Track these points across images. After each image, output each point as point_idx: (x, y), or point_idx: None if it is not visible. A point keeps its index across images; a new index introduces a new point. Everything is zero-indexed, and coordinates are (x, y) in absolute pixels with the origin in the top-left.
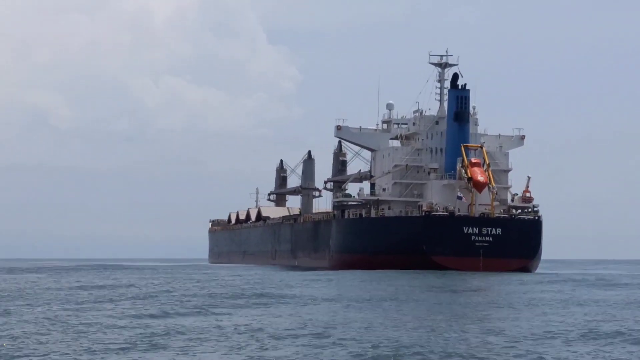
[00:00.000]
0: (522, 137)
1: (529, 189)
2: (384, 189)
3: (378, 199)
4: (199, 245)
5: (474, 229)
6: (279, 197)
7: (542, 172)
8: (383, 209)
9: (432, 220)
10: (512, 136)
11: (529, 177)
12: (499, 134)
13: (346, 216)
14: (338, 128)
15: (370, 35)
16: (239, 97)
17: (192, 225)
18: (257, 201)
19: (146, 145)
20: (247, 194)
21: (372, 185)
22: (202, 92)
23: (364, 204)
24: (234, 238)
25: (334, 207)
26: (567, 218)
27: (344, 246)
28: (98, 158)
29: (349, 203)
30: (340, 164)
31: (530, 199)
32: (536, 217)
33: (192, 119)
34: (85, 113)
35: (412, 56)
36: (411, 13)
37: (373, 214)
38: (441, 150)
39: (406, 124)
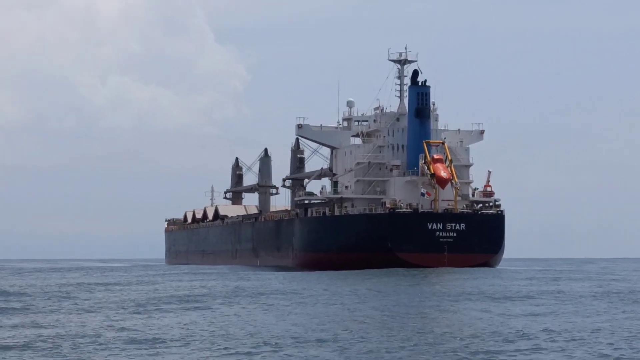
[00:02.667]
0: (482, 132)
1: (490, 183)
2: (346, 187)
3: (341, 196)
4: (154, 245)
5: (438, 224)
6: (236, 195)
7: (501, 166)
8: (346, 207)
9: (396, 217)
10: (472, 131)
11: (489, 172)
12: (459, 129)
13: (309, 214)
14: (299, 126)
15: (325, 32)
16: (187, 96)
17: (146, 224)
18: (212, 199)
19: (94, 143)
20: (202, 192)
21: (335, 183)
22: (150, 90)
23: (327, 202)
24: (192, 237)
25: (297, 205)
26: (527, 213)
27: (308, 244)
28: (45, 155)
29: (312, 201)
30: (298, 162)
31: (491, 194)
32: (499, 212)
33: (140, 117)
34: (31, 110)
35: (371, 52)
36: (365, 8)
37: (336, 211)
38: (403, 146)
39: (367, 121)
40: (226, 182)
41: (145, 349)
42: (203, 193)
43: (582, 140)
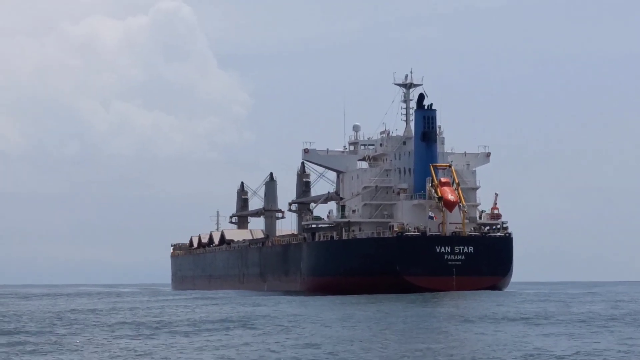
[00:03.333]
0: (488, 155)
1: (497, 205)
2: (353, 211)
3: (349, 220)
4: (160, 270)
5: (446, 247)
6: (241, 220)
7: (507, 189)
8: (354, 231)
9: (404, 241)
10: (478, 153)
11: (496, 194)
12: (465, 152)
13: (317, 239)
14: (305, 151)
15: (329, 57)
16: (189, 122)
17: (151, 249)
18: (217, 224)
19: (97, 169)
20: (207, 217)
21: (342, 208)
22: (152, 116)
23: (335, 226)
24: (198, 262)
25: (304, 229)
26: (533, 235)
27: (316, 269)
28: (47, 182)
29: (319, 225)
30: (304, 186)
31: (498, 216)
32: (506, 234)
33: (142, 143)
34: (34, 137)
35: (376, 77)
36: (370, 33)
37: (344, 235)
38: (409, 170)
39: (373, 145)
40: (231, 207)
41: None
42: (208, 218)
43: (588, 163)
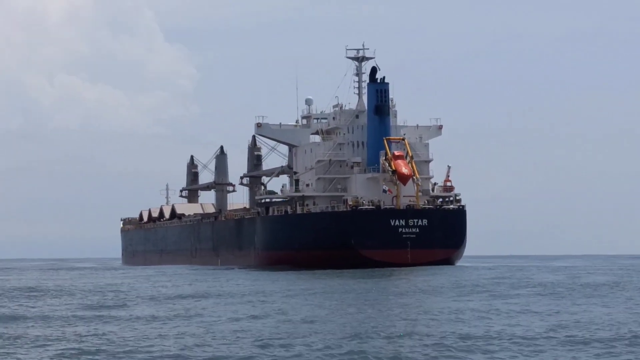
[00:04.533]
0: (440, 127)
1: (450, 178)
2: (307, 185)
3: (303, 195)
4: (110, 245)
5: (401, 221)
6: (191, 194)
7: (459, 162)
8: (308, 205)
9: (358, 214)
10: (430, 126)
11: (449, 167)
12: (417, 125)
13: (270, 213)
14: (258, 125)
15: (279, 30)
16: (135, 96)
17: (100, 224)
18: (167, 198)
19: (42, 144)
20: (157, 191)
21: (296, 182)
22: (98, 90)
23: (289, 200)
24: (149, 237)
25: (258, 204)
26: (485, 209)
27: (270, 243)
28: None
29: (273, 200)
30: (255, 159)
31: (451, 188)
32: (460, 207)
33: (88, 117)
34: None
35: (328, 50)
36: (321, 6)
37: (298, 210)
38: (363, 143)
39: (326, 118)
40: (180, 181)
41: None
42: (158, 192)
43: (537, 140)
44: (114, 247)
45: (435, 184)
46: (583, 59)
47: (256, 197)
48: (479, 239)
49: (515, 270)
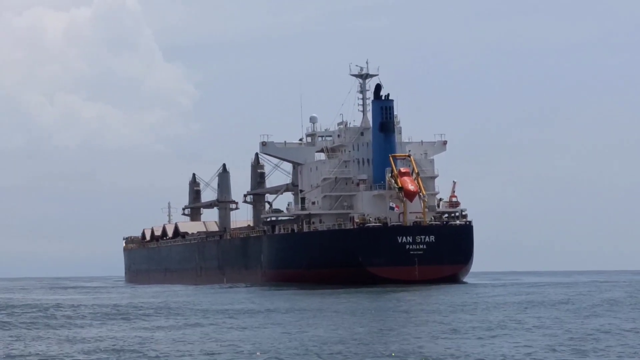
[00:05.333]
0: (444, 143)
1: (455, 193)
2: (313, 203)
3: (309, 213)
4: (112, 263)
5: (408, 237)
6: (194, 211)
7: (463, 177)
8: (314, 223)
9: (366, 232)
10: (435, 142)
11: (454, 182)
12: (422, 141)
13: (277, 231)
14: (263, 144)
15: (281, 47)
16: (135, 114)
17: (101, 242)
18: (169, 216)
19: (43, 163)
20: (159, 209)
21: (302, 200)
22: (98, 108)
23: (295, 218)
24: (153, 256)
25: (264, 222)
26: (491, 224)
27: (276, 262)
28: None
29: (279, 218)
30: (258, 177)
31: (457, 204)
32: (467, 222)
33: (88, 136)
34: None
35: (332, 67)
36: (323, 24)
37: (305, 228)
38: (368, 161)
39: (331, 136)
40: (183, 199)
41: None
42: (160, 210)
43: (540, 153)
44: (116, 266)
45: (440, 199)
46: (587, 68)
47: (262, 216)
48: (483, 255)
49: (538, 287)
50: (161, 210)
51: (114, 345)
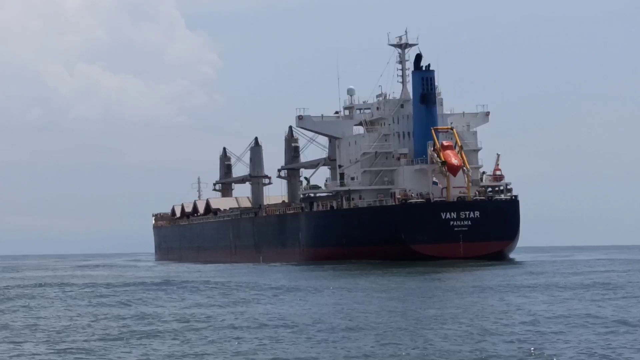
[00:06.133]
0: (487, 114)
1: (499, 166)
2: (352, 178)
3: (349, 189)
4: (139, 239)
5: (452, 214)
6: (225, 187)
7: (506, 148)
8: (354, 199)
9: (409, 208)
10: (477, 113)
11: (498, 155)
12: (464, 112)
13: (315, 208)
14: (300, 118)
15: (313, 16)
16: (157, 85)
17: (125, 217)
18: (199, 192)
19: (62, 135)
20: (188, 184)
21: (341, 175)
22: (118, 79)
23: (334, 194)
24: (185, 233)
25: (302, 199)
26: (536, 197)
27: (316, 239)
28: (10, 149)
29: (317, 194)
30: (293, 151)
31: (501, 177)
32: (513, 197)
33: (108, 107)
34: None
35: (369, 37)
36: None
37: (344, 204)
38: (409, 134)
39: (369, 109)
40: (212, 174)
41: None
42: (189, 185)
43: (588, 124)
44: (144, 243)
45: (483, 173)
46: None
47: (299, 192)
48: (526, 229)
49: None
50: (190, 185)
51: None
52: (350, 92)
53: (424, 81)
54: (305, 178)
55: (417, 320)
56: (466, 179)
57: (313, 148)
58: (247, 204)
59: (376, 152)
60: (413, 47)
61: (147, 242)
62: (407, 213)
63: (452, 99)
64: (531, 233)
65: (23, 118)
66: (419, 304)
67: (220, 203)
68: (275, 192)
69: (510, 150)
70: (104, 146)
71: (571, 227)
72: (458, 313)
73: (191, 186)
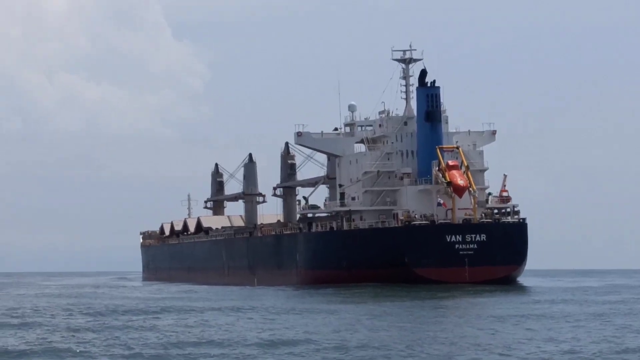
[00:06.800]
0: (494, 132)
1: (506, 188)
2: (353, 198)
3: (349, 209)
4: (125, 258)
5: (457, 236)
6: (217, 205)
7: (516, 169)
8: (355, 220)
9: (413, 230)
10: (483, 132)
11: (505, 176)
12: (469, 131)
13: (314, 229)
14: (298, 134)
15: (313, 27)
16: (141, 96)
17: (109, 234)
18: (189, 209)
19: (42, 147)
20: (177, 201)
21: (342, 195)
22: (101, 90)
23: (334, 215)
24: (175, 252)
25: (300, 219)
26: (544, 220)
27: (315, 261)
28: None
29: (316, 215)
30: (289, 168)
31: (508, 199)
32: (521, 220)
33: (91, 119)
34: None
35: (371, 51)
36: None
37: (345, 225)
38: (413, 153)
39: (371, 125)
40: (202, 190)
41: None
42: (179, 202)
43: (598, 143)
44: (131, 262)
45: (489, 194)
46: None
47: (297, 212)
48: (533, 251)
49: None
50: (180, 202)
51: None
52: (352, 108)
53: (428, 98)
54: (304, 197)
55: None
56: (472, 200)
57: (310, 166)
58: (241, 223)
59: (378, 171)
60: (417, 63)
61: (134, 261)
62: (411, 235)
63: (457, 117)
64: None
65: (2, 128)
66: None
67: (212, 222)
68: (270, 211)
69: (516, 170)
70: (87, 159)
71: (576, 250)
72: None
73: (181, 203)
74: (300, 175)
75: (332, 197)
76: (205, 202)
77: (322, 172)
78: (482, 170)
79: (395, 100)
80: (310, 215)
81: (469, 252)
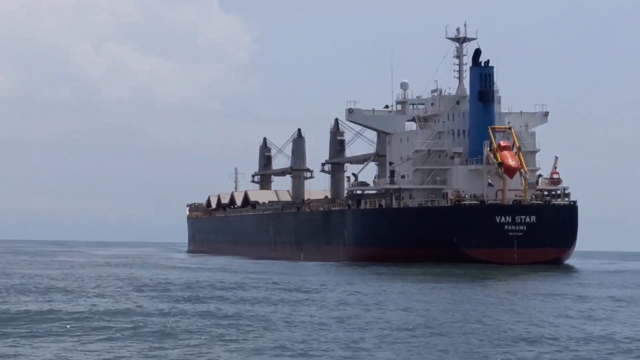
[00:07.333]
0: (546, 114)
1: (557, 170)
2: (403, 176)
3: (399, 187)
4: (170, 229)
5: (507, 217)
6: (264, 179)
7: (568, 151)
8: (404, 198)
9: (462, 210)
10: (535, 113)
11: (556, 157)
12: (521, 112)
13: (362, 206)
14: (350, 111)
15: (364, 5)
16: (190, 68)
17: (162, 204)
18: (236, 182)
19: (89, 117)
20: (225, 173)
21: (391, 173)
22: (149, 61)
23: (383, 192)
24: (222, 225)
25: (349, 196)
26: (597, 203)
27: (362, 239)
28: (35, 128)
29: (365, 192)
30: (338, 144)
31: (558, 181)
32: (571, 203)
33: (138, 90)
34: (21, 81)
35: (424, 29)
36: None
37: (394, 203)
38: (464, 132)
39: (423, 104)
40: (249, 164)
41: None
42: (225, 175)
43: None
44: (176, 233)
45: (540, 175)
46: None
47: (346, 188)
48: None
49: None
50: (227, 175)
51: None
52: (404, 86)
53: (482, 77)
54: (353, 174)
55: None
56: (523, 181)
57: (359, 142)
58: (288, 198)
59: (429, 150)
60: (471, 42)
61: (178, 232)
62: (460, 215)
63: (509, 98)
64: (587, 236)
65: (49, 97)
66: None
67: (259, 196)
68: (317, 187)
69: (567, 152)
70: (133, 130)
71: (627, 232)
72: None
73: (227, 176)
74: (349, 152)
75: (381, 174)
76: (253, 176)
77: (371, 149)
78: (534, 152)
79: (448, 79)
80: (359, 192)
81: (519, 234)
